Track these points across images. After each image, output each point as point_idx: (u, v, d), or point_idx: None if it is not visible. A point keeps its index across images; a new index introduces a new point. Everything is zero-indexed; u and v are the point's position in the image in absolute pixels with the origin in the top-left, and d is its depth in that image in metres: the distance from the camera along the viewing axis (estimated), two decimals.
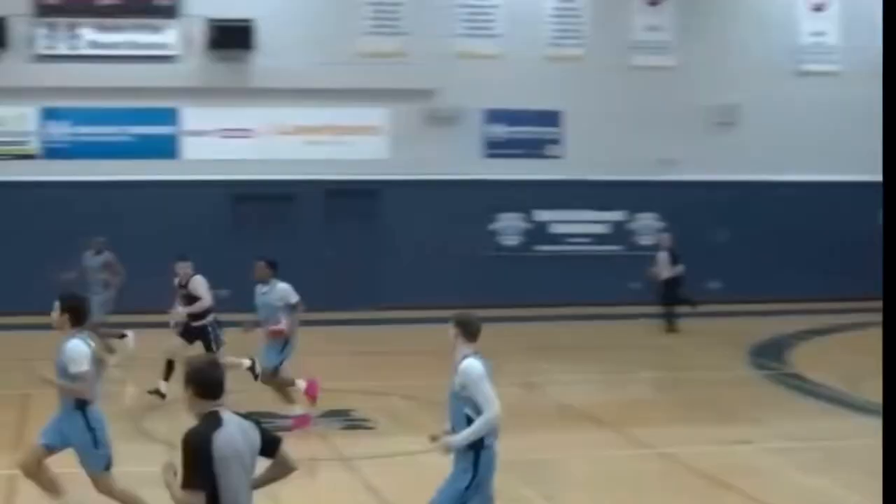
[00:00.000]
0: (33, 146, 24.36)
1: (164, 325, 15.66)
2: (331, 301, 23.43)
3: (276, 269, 13.90)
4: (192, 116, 24.60)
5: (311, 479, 11.41)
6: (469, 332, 7.71)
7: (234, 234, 24.05)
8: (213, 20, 24.09)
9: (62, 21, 24.20)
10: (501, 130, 25.57)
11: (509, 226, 25.76)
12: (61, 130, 24.44)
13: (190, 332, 14.82)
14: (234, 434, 5.95)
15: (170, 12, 24.38)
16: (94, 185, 23.77)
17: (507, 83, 24.85)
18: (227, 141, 24.60)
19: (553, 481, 12.13)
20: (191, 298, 14.90)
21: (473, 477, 7.53)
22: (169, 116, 24.52)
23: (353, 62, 24.51)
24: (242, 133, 24.68)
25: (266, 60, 24.25)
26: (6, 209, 23.50)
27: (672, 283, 21.96)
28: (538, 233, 25.53)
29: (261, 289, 13.82)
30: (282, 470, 6.32)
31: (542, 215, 25.56)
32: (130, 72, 24.02)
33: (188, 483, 5.80)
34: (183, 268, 15.14)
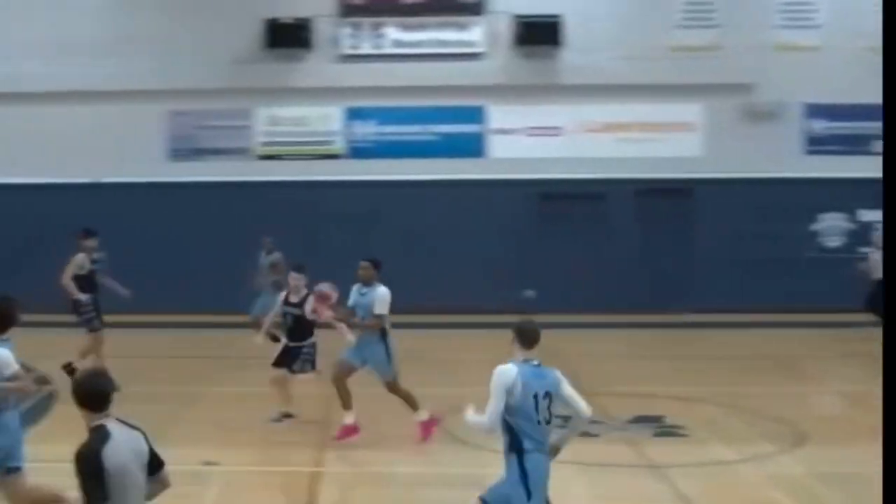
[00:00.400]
0: (338, 146, 25.62)
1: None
2: (640, 302, 24.09)
3: (380, 271, 13.61)
4: (498, 114, 25.47)
5: (615, 484, 11.85)
6: (524, 339, 8.21)
7: (540, 234, 24.87)
8: (519, 16, 24.93)
9: (366, 21, 25.35)
10: (823, 126, 25.55)
11: (832, 226, 25.76)
12: (366, 130, 25.65)
13: (286, 353, 14.29)
14: (122, 445, 6.28)
15: (475, 9, 25.25)
16: (398, 185, 24.91)
17: (828, 76, 24.76)
18: (534, 139, 25.36)
19: None
20: (299, 317, 14.24)
21: (524, 484, 8.04)
22: (475, 115, 25.43)
23: (664, 56, 24.84)
24: (550, 131, 25.40)
25: (574, 56, 24.94)
26: (312, 208, 24.77)
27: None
28: (863, 234, 25.47)
29: (360, 289, 13.49)
30: (159, 488, 6.67)
31: (868, 215, 25.45)
32: (435, 70, 25.03)
33: (89, 500, 6.10)
34: (296, 279, 14.33)
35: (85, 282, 16.67)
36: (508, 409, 8.03)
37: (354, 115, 25.57)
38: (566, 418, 8.55)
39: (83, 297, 16.63)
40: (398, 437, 13.68)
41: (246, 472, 12.49)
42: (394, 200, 24.86)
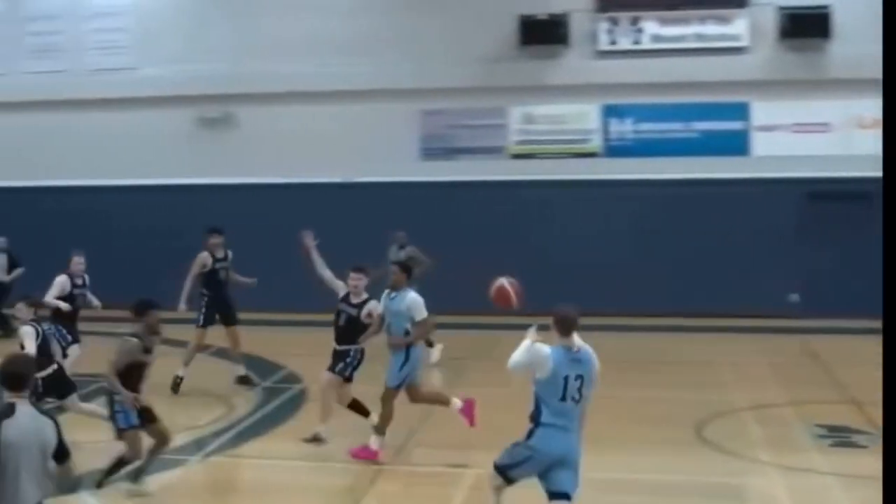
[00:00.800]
0: (595, 144, 25.23)
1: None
2: None
3: (411, 276, 13.41)
4: (763, 111, 24.61)
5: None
6: (562, 327, 9.04)
7: (806, 235, 23.93)
8: (784, 8, 24.06)
9: (624, 15, 24.90)
10: None
11: None
12: (623, 128, 25.19)
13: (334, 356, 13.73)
14: (25, 425, 6.79)
15: (739, 2, 24.46)
16: (656, 184, 24.38)
17: None
18: (800, 136, 24.42)
19: None
20: (353, 319, 13.62)
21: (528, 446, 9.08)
22: (738, 111, 24.65)
23: None
24: (817, 128, 24.40)
25: (844, 49, 23.87)
26: (566, 207, 24.51)
27: None
28: None
29: (389, 294, 13.16)
30: (63, 476, 7.09)
31: None
32: (696, 65, 24.39)
33: None
34: (356, 279, 13.77)
35: (208, 279, 17.07)
36: (537, 383, 8.96)
37: (611, 112, 25.16)
38: None
39: (203, 292, 17.11)
40: (643, 442, 13.52)
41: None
42: (652, 200, 24.40)
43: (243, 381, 17.13)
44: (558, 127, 25.23)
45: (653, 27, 24.86)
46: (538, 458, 9.01)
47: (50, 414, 7.17)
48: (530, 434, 9.06)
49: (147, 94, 26.05)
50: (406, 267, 13.56)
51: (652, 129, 24.98)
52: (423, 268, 19.11)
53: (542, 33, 24.60)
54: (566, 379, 8.84)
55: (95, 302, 16.76)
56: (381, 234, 23.95)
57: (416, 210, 24.99)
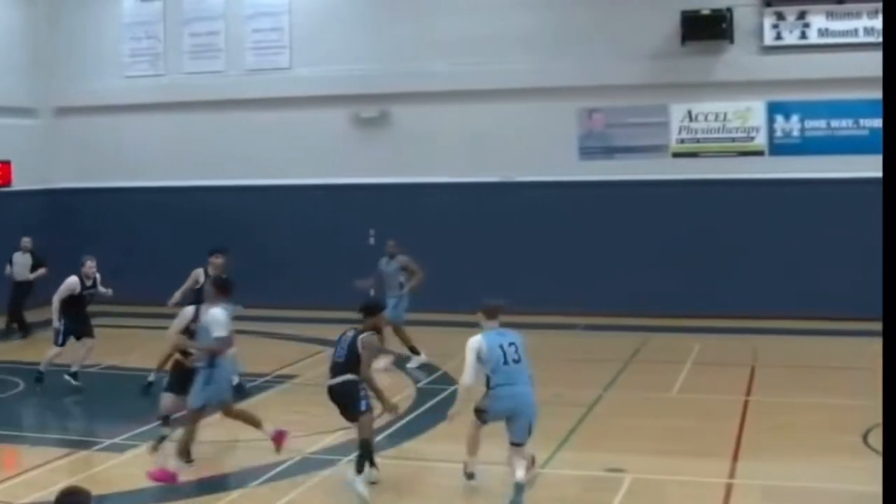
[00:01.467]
0: (760, 142, 24.74)
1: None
2: None
3: (227, 292, 13.17)
4: None
5: None
6: (489, 314, 11.96)
7: None
8: None
9: (790, 9, 24.36)
10: None
11: None
12: (789, 126, 24.64)
13: None
14: None
15: None
16: (824, 183, 23.86)
17: None
18: None
19: None
20: None
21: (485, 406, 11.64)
22: None
23: None
24: None
25: None
26: (730, 207, 24.09)
27: None
28: None
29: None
30: None
31: None
32: (866, 61, 23.65)
33: None
34: None
35: (197, 295, 16.67)
36: (486, 363, 11.47)
37: (777, 109, 24.65)
38: None
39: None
40: (801, 447, 13.30)
41: (652, 481, 12.10)
42: (818, 200, 23.84)
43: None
44: (722, 125, 24.80)
45: (820, 21, 24.29)
46: (492, 413, 11.55)
47: None
48: (483, 397, 11.60)
49: (302, 93, 26.39)
50: (220, 282, 13.46)
51: (819, 126, 24.40)
52: (416, 278, 19.13)
53: (705, 29, 24.23)
54: (502, 347, 11.49)
55: (104, 290, 18.21)
56: (540, 233, 24.07)
57: (574, 210, 24.94)
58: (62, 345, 17.64)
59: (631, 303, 23.98)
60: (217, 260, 17.10)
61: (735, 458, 12.95)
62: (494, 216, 25.29)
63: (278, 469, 12.71)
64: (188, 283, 17.21)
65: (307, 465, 12.95)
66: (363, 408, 11.87)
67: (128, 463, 13.27)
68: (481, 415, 11.65)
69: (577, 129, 25.37)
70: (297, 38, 26.83)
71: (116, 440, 14.29)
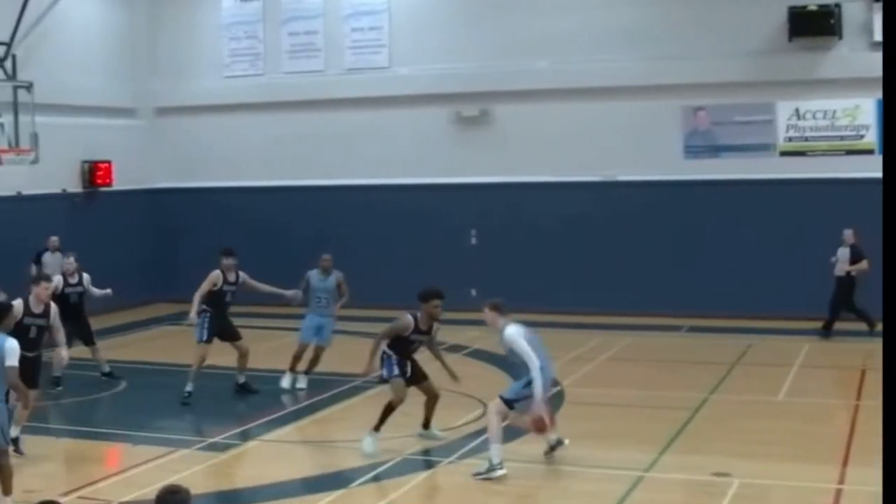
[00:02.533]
0: (870, 140, 24.39)
1: None
2: None
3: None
4: None
5: None
6: (502, 311, 12.75)
7: None
8: None
9: None
10: None
11: None
12: None
13: None
14: None
15: None
16: None
17: None
18: None
19: None
20: None
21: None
22: None
23: None
24: None
25: None
26: (839, 206, 23.74)
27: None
28: None
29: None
30: None
31: None
32: None
33: None
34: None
35: (216, 298, 17.02)
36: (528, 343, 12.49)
37: None
38: None
39: (205, 309, 17.00)
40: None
41: (759, 486, 12.02)
42: None
43: (244, 388, 17.27)
44: (830, 122, 24.50)
45: None
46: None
47: None
48: (531, 377, 12.29)
49: (402, 92, 26.57)
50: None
51: None
52: (345, 300, 18.02)
53: (813, 25, 23.95)
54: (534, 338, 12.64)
55: (97, 292, 18.42)
56: (643, 234, 23.96)
57: (678, 209, 24.82)
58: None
59: (736, 304, 23.80)
60: (229, 261, 17.22)
61: (845, 463, 12.80)
62: (597, 216, 25.26)
63: (379, 470, 12.82)
64: (206, 287, 16.98)
65: (407, 466, 13.05)
66: (385, 375, 13.85)
67: (227, 463, 13.49)
68: (513, 404, 12.50)
69: (681, 128, 25.22)
70: (396, 36, 26.98)
71: (217, 439, 14.50)
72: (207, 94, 28.41)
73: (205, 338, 16.98)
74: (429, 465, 13.19)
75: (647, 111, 24.97)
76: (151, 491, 8.41)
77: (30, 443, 13.83)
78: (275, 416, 15.89)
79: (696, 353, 20.93)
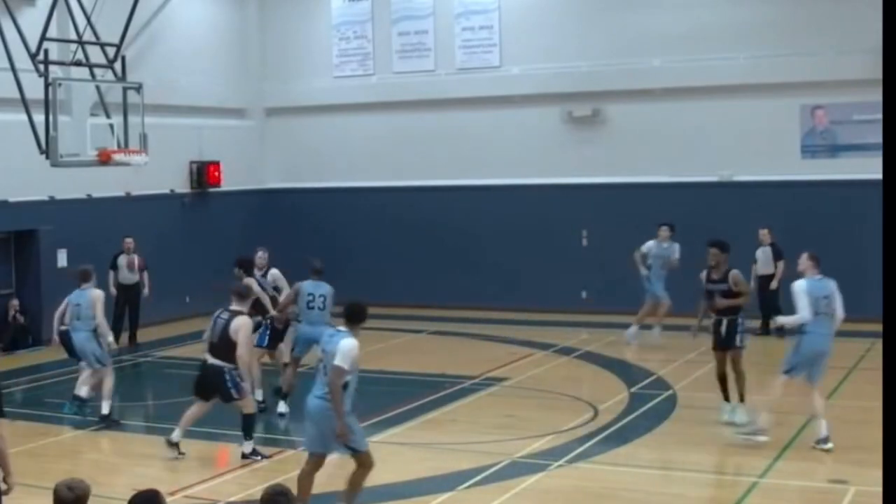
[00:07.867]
0: None
1: None
2: None
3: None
4: None
5: None
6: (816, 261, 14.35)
7: None
8: None
9: None
10: None
11: None
12: None
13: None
14: None
15: None
16: None
17: None
18: None
19: None
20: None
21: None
22: None
23: None
24: None
25: None
26: None
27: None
28: None
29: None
30: None
31: None
32: None
33: None
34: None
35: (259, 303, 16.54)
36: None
37: None
38: None
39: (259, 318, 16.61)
40: None
41: (877, 494, 11.90)
42: None
43: (277, 392, 16.99)
44: None
45: None
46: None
47: None
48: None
49: (513, 92, 26.74)
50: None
51: None
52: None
53: None
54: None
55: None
56: (758, 234, 23.80)
57: (795, 211, 24.59)
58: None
59: (859, 306, 23.51)
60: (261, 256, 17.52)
61: None
62: (711, 217, 25.13)
63: (487, 473, 12.99)
64: (291, 295, 16.51)
65: (516, 469, 13.20)
66: None
67: (336, 464, 13.73)
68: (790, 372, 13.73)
69: (799, 127, 25.03)
70: (508, 35, 27.14)
71: None
72: (317, 94, 28.84)
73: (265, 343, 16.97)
74: (539, 468, 13.31)
75: (763, 110, 24.85)
76: (256, 492, 8.62)
77: (144, 442, 14.16)
78: (385, 416, 16.09)
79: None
